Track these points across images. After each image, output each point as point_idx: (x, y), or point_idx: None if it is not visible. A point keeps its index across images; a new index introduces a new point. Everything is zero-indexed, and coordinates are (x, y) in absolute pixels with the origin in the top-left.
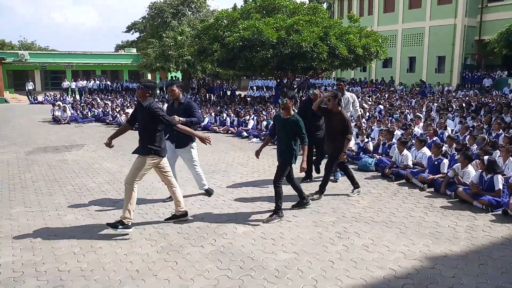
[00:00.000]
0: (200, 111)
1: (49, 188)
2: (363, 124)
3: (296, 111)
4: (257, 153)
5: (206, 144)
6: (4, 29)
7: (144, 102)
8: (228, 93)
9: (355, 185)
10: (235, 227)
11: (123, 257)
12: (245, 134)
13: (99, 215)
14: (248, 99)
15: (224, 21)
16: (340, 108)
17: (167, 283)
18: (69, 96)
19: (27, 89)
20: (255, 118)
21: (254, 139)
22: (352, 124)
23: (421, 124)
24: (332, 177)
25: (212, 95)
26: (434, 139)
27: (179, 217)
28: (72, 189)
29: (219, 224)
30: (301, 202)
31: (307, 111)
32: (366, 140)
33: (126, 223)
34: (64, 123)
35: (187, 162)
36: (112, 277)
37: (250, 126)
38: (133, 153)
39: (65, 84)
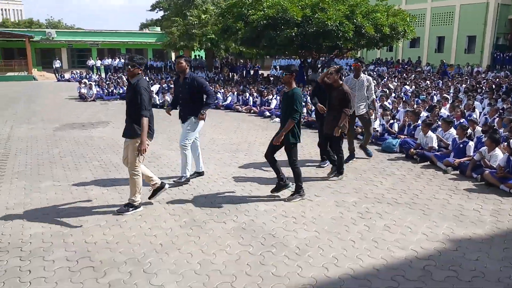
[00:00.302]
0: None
1: (76, 164)
2: (388, 105)
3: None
4: None
5: (137, 151)
6: (32, 8)
7: (133, 79)
8: (251, 72)
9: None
10: (257, 205)
11: (147, 231)
12: (267, 113)
13: (124, 190)
14: (271, 78)
15: None
16: (341, 82)
17: (190, 257)
18: (95, 74)
19: (54, 67)
20: (278, 97)
21: (277, 119)
22: (378, 105)
23: (448, 105)
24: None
25: (235, 74)
26: (461, 120)
27: (158, 191)
28: (98, 164)
29: (241, 202)
30: (280, 184)
31: (315, 91)
32: (391, 121)
33: (136, 205)
34: (90, 101)
35: (181, 134)
36: (137, 250)
37: (273, 105)
38: (123, 136)
39: (90, 62)
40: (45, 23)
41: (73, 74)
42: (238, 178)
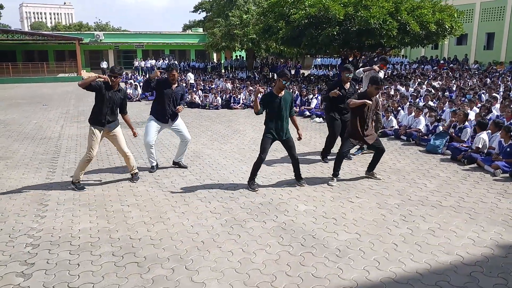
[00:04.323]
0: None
1: (122, 162)
2: (433, 104)
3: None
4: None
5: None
6: (82, 11)
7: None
8: (292, 71)
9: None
10: (297, 205)
11: (189, 228)
12: (307, 113)
13: (168, 188)
14: (312, 77)
15: None
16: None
17: (231, 255)
18: (140, 74)
19: (101, 67)
20: (319, 97)
21: (317, 119)
22: (422, 104)
23: (498, 105)
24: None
25: (275, 74)
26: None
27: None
28: (143, 162)
29: (281, 201)
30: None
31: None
32: (435, 123)
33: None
34: (135, 100)
35: (184, 130)
36: (180, 247)
37: (313, 105)
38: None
39: (136, 63)
40: (93, 26)
41: None
42: (278, 178)
